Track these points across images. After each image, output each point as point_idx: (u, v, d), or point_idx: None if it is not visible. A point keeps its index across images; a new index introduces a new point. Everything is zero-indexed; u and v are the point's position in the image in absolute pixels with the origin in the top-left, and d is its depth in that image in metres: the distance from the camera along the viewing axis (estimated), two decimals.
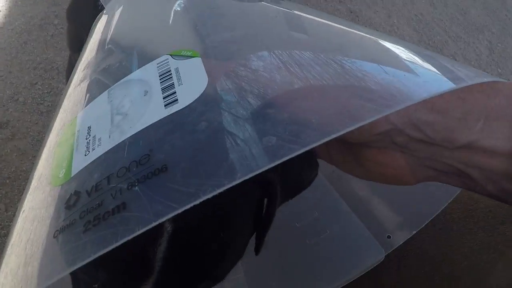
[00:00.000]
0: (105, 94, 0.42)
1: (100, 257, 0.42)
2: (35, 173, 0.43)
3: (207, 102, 0.36)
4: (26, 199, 0.41)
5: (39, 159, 0.44)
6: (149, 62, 0.42)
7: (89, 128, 0.39)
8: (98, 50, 0.52)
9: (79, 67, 0.52)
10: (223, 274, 0.51)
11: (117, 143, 0.35)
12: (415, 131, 0.39)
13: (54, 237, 0.32)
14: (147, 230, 0.40)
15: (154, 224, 0.28)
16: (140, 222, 0.29)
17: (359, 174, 0.49)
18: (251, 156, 0.31)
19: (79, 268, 0.47)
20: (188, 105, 0.36)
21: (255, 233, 0.54)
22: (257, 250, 0.55)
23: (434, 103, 0.38)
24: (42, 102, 1.53)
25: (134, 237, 0.40)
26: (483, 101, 0.37)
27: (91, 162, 0.36)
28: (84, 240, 0.30)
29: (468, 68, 0.39)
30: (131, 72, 0.43)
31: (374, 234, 0.77)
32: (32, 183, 0.42)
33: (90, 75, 0.48)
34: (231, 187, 0.44)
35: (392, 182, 0.47)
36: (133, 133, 0.35)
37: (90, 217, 0.31)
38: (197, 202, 0.28)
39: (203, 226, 0.44)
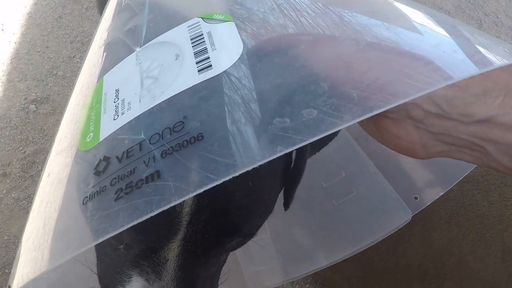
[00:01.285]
0: (133, 56, 0.40)
1: None
2: (58, 136, 0.41)
3: (243, 69, 0.34)
4: (49, 163, 0.39)
5: (62, 121, 0.42)
6: (179, 24, 0.40)
7: (117, 91, 0.37)
8: (122, 10, 0.49)
9: (101, 27, 0.49)
10: (253, 230, 0.49)
11: (148, 108, 0.33)
12: (432, 105, 0.39)
13: (83, 203, 0.31)
14: None
15: (191, 195, 0.26)
16: (177, 193, 0.27)
17: (379, 140, 0.49)
18: (292, 129, 0.28)
19: None
20: (224, 71, 0.34)
21: (283, 189, 0.52)
22: (286, 205, 0.53)
23: None
24: None
25: None
26: (505, 78, 0.37)
27: (120, 127, 0.34)
28: (115, 208, 0.28)
29: (502, 44, 0.38)
30: (159, 34, 0.40)
31: (401, 195, 0.75)
32: (56, 146, 0.40)
33: (114, 36, 0.45)
34: None
35: (406, 154, 0.46)
36: (165, 99, 0.33)
37: (121, 184, 0.29)
38: (236, 174, 0.27)
39: (232, 179, 0.42)
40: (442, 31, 0.38)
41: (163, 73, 0.36)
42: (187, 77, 0.34)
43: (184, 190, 0.27)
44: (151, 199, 0.27)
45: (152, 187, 0.28)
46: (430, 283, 0.89)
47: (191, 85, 0.33)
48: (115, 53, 0.43)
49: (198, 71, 0.34)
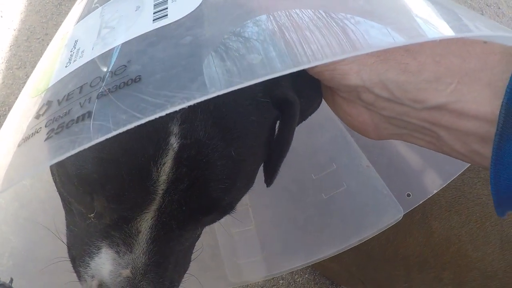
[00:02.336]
0: (98, 10, 0.39)
1: (96, 180, 0.38)
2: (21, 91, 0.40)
3: (197, 18, 0.32)
4: (8, 115, 0.38)
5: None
6: None
7: (76, 41, 0.36)
8: None
9: None
10: (232, 204, 0.46)
11: (97, 54, 0.32)
12: (383, 90, 0.39)
13: (18, 146, 0.30)
14: (149, 145, 0.36)
15: (113, 133, 0.25)
16: (100, 131, 0.26)
17: (336, 115, 0.48)
18: (229, 73, 0.27)
19: (72, 200, 0.44)
20: (177, 20, 0.32)
21: (263, 163, 0.49)
22: (269, 181, 0.50)
23: (408, 64, 0.37)
24: None
25: (134, 153, 0.36)
26: (458, 64, 0.37)
27: (69, 73, 0.33)
28: (44, 147, 0.27)
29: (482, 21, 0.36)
30: None
31: (393, 191, 0.72)
32: (17, 100, 0.39)
33: None
34: (246, 104, 0.41)
35: (359, 132, 0.46)
36: (115, 45, 0.32)
37: (54, 125, 0.28)
38: (163, 113, 0.25)
39: (213, 143, 0.39)
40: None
41: (119, 23, 0.35)
42: (141, 25, 0.33)
43: (107, 128, 0.25)
44: (76, 137, 0.26)
45: (80, 127, 0.27)
46: (429, 272, 0.87)
47: (142, 33, 0.32)
48: (88, 8, 0.41)
49: (154, 20, 0.33)
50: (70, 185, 0.41)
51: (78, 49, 0.34)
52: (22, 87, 1.29)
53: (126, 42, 0.32)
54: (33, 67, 1.39)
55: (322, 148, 0.74)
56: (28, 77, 1.41)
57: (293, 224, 0.77)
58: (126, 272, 0.43)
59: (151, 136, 0.37)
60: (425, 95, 0.37)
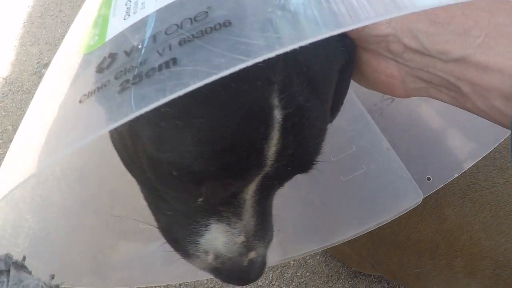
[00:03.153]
0: None
1: (211, 171, 0.37)
2: (59, 50, 0.36)
3: None
4: (46, 75, 0.34)
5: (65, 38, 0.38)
6: None
7: None
8: None
9: None
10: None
11: (165, 4, 0.29)
12: (412, 40, 0.39)
13: (80, 102, 0.26)
14: (259, 125, 0.35)
15: (214, 77, 0.22)
16: (195, 76, 0.22)
17: (360, 79, 0.48)
18: (334, 15, 0.24)
19: (170, 189, 0.42)
20: None
21: None
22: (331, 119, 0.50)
23: (438, 15, 0.37)
24: None
25: (247, 136, 0.36)
26: (487, 18, 0.36)
27: (131, 25, 0.29)
28: (118, 100, 0.24)
29: None
30: None
31: (413, 174, 0.69)
32: (55, 60, 0.35)
33: None
34: (331, 55, 0.40)
35: (385, 91, 0.46)
36: None
37: (128, 76, 0.25)
38: (271, 54, 0.22)
39: (311, 104, 0.39)
40: None
41: None
42: None
43: (205, 73, 0.22)
44: (164, 85, 0.23)
45: (166, 74, 0.23)
46: (441, 259, 0.85)
47: None
48: None
49: None
50: (168, 178, 0.40)
51: (136, 1, 0.31)
52: (36, 64, 1.30)
53: None
54: (47, 43, 1.39)
55: (342, 130, 0.72)
56: (41, 53, 1.42)
57: (309, 208, 0.75)
58: (240, 239, 0.45)
59: (257, 115, 0.36)
60: (452, 47, 0.37)
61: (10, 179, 0.28)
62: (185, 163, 0.37)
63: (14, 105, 1.29)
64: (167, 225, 0.48)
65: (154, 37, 0.26)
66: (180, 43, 0.25)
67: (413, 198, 0.67)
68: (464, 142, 0.69)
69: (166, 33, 0.26)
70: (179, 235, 0.47)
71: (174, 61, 0.24)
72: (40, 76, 1.35)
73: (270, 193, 0.45)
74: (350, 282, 1.16)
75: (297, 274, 1.19)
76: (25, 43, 1.40)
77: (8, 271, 0.57)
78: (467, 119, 0.66)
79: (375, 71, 0.44)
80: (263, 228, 0.46)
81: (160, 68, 0.24)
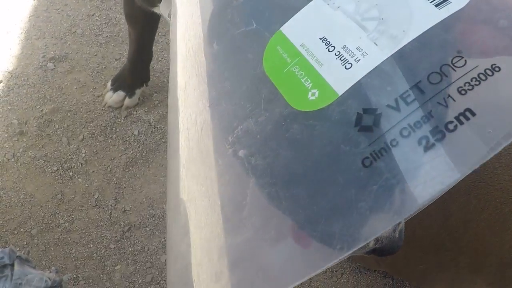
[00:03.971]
0: (317, 1, 0.33)
1: None
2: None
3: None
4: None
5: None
6: None
7: (322, 39, 0.31)
8: None
9: None
10: None
11: (394, 50, 0.28)
12: None
13: (365, 166, 0.25)
14: None
15: None
16: None
17: None
18: None
19: None
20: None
21: None
22: None
23: None
24: (100, 33, 1.43)
25: None
26: None
27: (367, 75, 0.28)
28: (429, 159, 0.23)
29: None
30: None
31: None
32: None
33: None
34: None
35: None
36: (412, 38, 0.28)
37: (422, 132, 0.24)
38: None
39: None
40: None
41: (385, 13, 0.30)
42: (424, 12, 0.29)
43: None
44: (486, 138, 0.23)
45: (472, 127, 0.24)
46: (445, 255, 0.86)
47: (436, 22, 0.28)
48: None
49: (436, 5, 0.29)
50: None
51: (343, 47, 0.30)
52: (41, 58, 1.31)
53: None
54: (52, 37, 1.39)
55: None
56: (47, 47, 1.42)
57: None
58: None
59: None
60: None
61: None
62: None
63: (19, 99, 1.27)
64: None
65: (418, 88, 0.25)
66: (460, 92, 0.24)
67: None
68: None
69: (430, 82, 0.25)
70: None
71: (471, 112, 0.23)
72: (45, 70, 1.32)
73: None
74: (354, 278, 1.15)
75: None
76: (30, 37, 1.38)
77: (12, 265, 0.56)
78: None
79: None
80: None
81: (459, 120, 0.23)
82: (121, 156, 1.23)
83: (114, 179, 1.20)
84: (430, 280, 0.93)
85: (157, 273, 1.10)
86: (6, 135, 1.22)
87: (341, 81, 0.29)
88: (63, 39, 1.40)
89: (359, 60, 0.28)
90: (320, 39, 0.31)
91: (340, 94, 0.28)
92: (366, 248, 0.41)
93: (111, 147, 1.24)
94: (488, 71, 0.25)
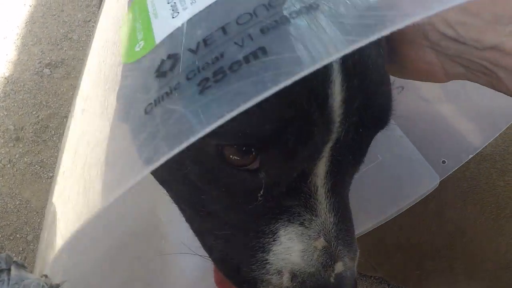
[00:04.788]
0: None
1: (270, 135, 0.32)
2: (86, 68, 0.34)
3: None
4: (79, 100, 0.32)
5: (88, 56, 0.36)
6: None
7: None
8: None
9: None
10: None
11: None
12: (448, 28, 0.39)
13: (146, 113, 0.24)
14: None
15: (326, 61, 0.20)
16: (301, 62, 0.21)
17: (399, 71, 0.48)
18: None
19: (233, 185, 0.35)
20: None
21: None
22: None
23: (468, 5, 0.37)
24: None
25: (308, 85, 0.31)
26: None
27: (185, 22, 0.27)
28: (203, 101, 0.22)
29: None
30: None
31: (428, 159, 0.69)
32: (85, 79, 0.34)
33: None
34: None
35: (426, 78, 0.47)
36: None
37: (205, 74, 0.23)
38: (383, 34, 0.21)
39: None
40: None
41: None
42: None
43: (316, 55, 0.21)
44: (261, 77, 0.21)
45: (258, 66, 0.21)
46: (441, 261, 0.85)
47: None
48: None
49: None
50: (217, 167, 0.34)
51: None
52: (38, 63, 1.27)
53: None
54: (49, 43, 1.37)
55: None
56: (43, 53, 1.39)
57: None
58: (320, 242, 0.35)
59: None
60: (485, 35, 0.38)
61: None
62: (236, 127, 0.32)
63: (15, 104, 1.27)
64: (223, 251, 0.39)
65: (223, 29, 0.24)
66: (262, 31, 0.22)
67: (429, 182, 0.68)
68: (477, 122, 0.69)
69: (238, 23, 0.24)
70: (241, 259, 0.38)
71: (263, 50, 0.22)
72: (42, 76, 1.33)
73: (345, 178, 0.38)
74: None
75: None
76: (27, 43, 1.38)
77: (9, 270, 0.55)
78: (479, 100, 0.65)
79: (414, 61, 0.45)
80: (346, 228, 0.37)
81: (247, 60, 0.22)
82: None
83: None
84: (426, 285, 0.93)
85: None
86: (2, 140, 1.21)
87: (162, 29, 0.28)
88: (60, 45, 1.41)
89: (186, 8, 0.28)
90: None
91: (157, 43, 0.28)
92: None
93: None
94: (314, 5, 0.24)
